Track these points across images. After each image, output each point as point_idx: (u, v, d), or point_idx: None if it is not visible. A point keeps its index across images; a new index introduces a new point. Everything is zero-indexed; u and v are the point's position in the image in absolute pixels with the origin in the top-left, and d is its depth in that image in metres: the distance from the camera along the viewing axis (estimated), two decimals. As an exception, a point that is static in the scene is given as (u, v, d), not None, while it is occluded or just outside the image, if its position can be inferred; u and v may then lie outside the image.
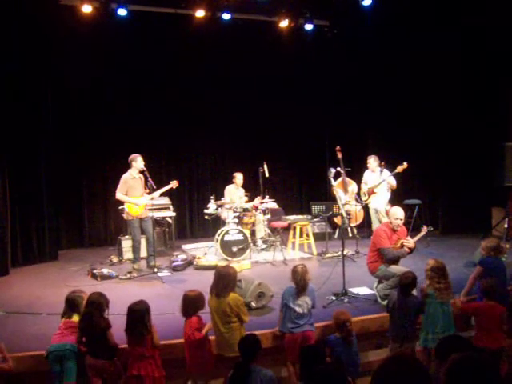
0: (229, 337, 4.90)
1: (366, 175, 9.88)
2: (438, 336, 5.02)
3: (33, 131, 9.18)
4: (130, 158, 8.34)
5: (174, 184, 8.60)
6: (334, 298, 6.39)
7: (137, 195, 8.30)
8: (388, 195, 9.53)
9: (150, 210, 8.41)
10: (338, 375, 3.03)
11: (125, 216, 8.47)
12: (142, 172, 8.33)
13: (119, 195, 8.29)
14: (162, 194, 8.89)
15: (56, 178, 9.75)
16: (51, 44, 9.42)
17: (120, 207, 9.55)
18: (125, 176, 8.30)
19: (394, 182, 9.43)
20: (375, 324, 5.74)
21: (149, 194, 8.34)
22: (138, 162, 8.29)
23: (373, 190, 9.60)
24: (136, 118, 10.42)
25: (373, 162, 9.68)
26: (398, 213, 6.50)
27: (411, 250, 6.45)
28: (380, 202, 9.52)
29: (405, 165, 9.17)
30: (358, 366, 4.97)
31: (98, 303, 4.66)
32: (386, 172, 9.47)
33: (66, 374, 4.49)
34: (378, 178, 9.53)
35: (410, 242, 6.41)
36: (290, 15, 10.70)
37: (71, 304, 4.82)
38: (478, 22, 9.53)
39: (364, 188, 9.85)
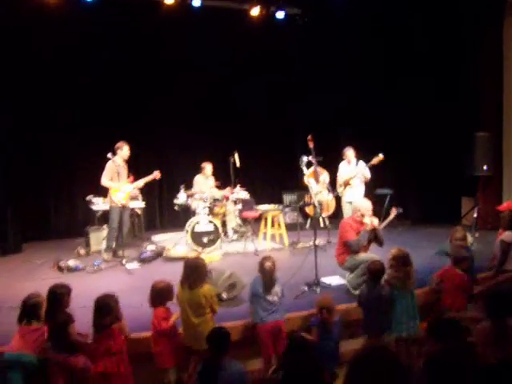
0: (202, 329, 4.70)
1: (342, 167, 9.56)
2: (402, 327, 5.01)
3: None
4: (117, 145, 8.31)
5: (156, 175, 8.57)
6: (306, 289, 6.31)
7: (121, 183, 8.21)
8: (363, 188, 9.24)
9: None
10: (315, 367, 2.98)
11: (108, 201, 8.36)
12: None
13: (104, 180, 8.16)
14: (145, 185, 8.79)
15: (19, 166, 9.46)
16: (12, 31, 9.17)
17: (87, 198, 9.34)
18: (110, 163, 8.20)
19: (368, 175, 9.18)
20: (348, 314, 5.67)
21: (132, 182, 8.27)
22: (123, 151, 8.30)
23: (348, 182, 9.29)
24: (105, 106, 10.16)
25: (351, 153, 9.34)
26: (370, 205, 6.50)
27: (376, 232, 6.31)
28: (355, 195, 9.09)
29: (380, 156, 8.86)
30: (336, 356, 4.95)
31: (58, 295, 4.48)
32: (361, 163, 9.21)
33: None
34: (354, 170, 9.23)
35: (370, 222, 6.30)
36: (262, 2, 10.53)
37: (30, 310, 4.41)
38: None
39: (340, 180, 9.51)
